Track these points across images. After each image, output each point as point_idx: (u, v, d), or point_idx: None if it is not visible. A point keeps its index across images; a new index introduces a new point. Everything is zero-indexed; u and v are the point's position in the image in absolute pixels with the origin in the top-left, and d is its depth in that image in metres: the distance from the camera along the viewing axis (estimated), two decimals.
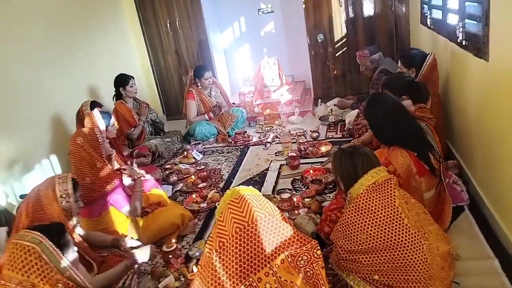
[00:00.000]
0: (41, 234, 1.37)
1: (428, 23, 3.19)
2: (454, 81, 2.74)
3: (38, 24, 3.43)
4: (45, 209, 1.82)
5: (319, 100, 4.61)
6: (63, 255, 1.38)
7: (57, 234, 1.44)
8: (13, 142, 3.05)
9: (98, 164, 2.43)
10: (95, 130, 2.52)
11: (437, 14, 3.00)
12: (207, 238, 2.42)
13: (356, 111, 3.68)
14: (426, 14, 3.26)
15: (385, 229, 1.56)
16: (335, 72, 4.69)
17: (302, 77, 5.25)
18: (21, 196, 2.77)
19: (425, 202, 1.99)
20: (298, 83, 5.22)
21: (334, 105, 4.34)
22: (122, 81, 3.88)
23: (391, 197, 1.61)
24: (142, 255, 2.06)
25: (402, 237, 1.56)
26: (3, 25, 3.06)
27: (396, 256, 1.57)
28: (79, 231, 2.08)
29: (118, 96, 3.93)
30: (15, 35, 3.16)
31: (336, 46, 4.61)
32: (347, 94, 4.56)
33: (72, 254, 1.49)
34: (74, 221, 2.01)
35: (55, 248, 1.36)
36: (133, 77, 3.95)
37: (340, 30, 4.53)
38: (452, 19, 2.62)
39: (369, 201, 1.61)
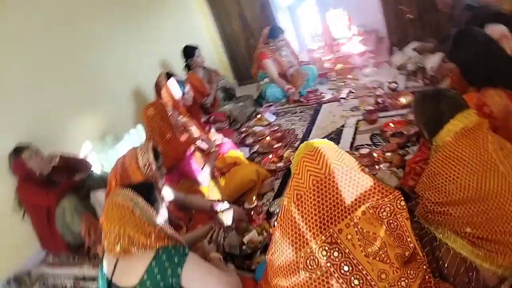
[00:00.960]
0: (133, 191, 1.49)
1: None
2: None
3: (102, 11, 3.64)
4: (132, 178, 1.96)
5: (395, 47, 4.27)
6: (153, 210, 1.50)
7: (147, 191, 1.56)
8: (104, 115, 3.38)
9: (167, 135, 2.54)
10: (166, 103, 2.62)
11: None
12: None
13: (438, 55, 3.34)
14: None
15: (478, 178, 1.43)
16: (409, 15, 4.27)
17: (374, 25, 4.86)
18: None
19: None
20: (370, 32, 4.86)
21: (413, 49, 3.99)
22: (188, 52, 3.99)
23: (483, 142, 1.45)
24: (226, 218, 2.16)
25: (498, 185, 1.41)
26: (91, 7, 3.33)
27: (492, 207, 1.44)
28: (169, 195, 2.22)
29: (188, 67, 4.05)
30: (99, 16, 3.44)
31: None
32: (425, 37, 4.15)
33: (162, 210, 1.61)
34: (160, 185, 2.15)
35: (146, 203, 1.48)
36: (197, 47, 4.02)
37: None
38: None
39: (458, 148, 1.47)
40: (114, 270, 1.47)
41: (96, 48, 3.44)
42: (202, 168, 2.59)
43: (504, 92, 1.75)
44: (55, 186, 2.67)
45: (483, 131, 1.47)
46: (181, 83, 3.10)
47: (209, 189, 2.60)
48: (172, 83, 3.05)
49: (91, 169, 2.91)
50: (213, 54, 5.22)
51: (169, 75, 3.30)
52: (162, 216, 1.57)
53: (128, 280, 1.42)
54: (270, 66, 4.21)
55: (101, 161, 3.25)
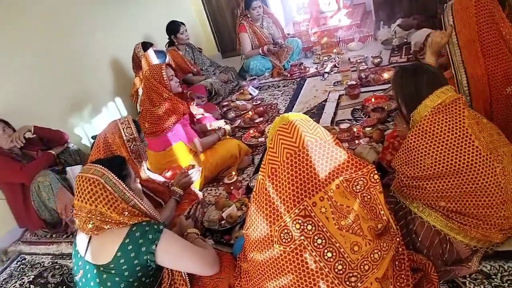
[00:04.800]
0: (103, 167, 1.45)
1: None
2: None
3: None
4: (115, 154, 1.93)
5: (381, 22, 4.22)
6: (125, 185, 1.46)
7: (118, 166, 1.52)
8: (81, 88, 3.29)
9: (165, 94, 2.50)
10: (161, 67, 2.54)
11: None
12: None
13: (423, 31, 3.31)
14: None
15: (453, 152, 1.43)
16: None
17: None
18: (93, 137, 2.98)
19: None
20: (357, 6, 4.80)
21: (398, 25, 3.95)
22: (172, 29, 3.87)
23: (459, 118, 1.45)
24: (194, 175, 2.24)
25: (472, 160, 1.42)
26: None
27: (465, 181, 1.45)
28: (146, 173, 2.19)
29: (171, 43, 3.93)
30: None
31: None
32: (412, 14, 4.10)
33: (134, 185, 1.58)
34: (143, 165, 2.12)
35: (117, 179, 1.44)
36: (183, 24, 3.90)
37: None
38: None
39: (435, 123, 1.46)
40: (87, 248, 1.44)
41: (79, 19, 3.33)
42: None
43: None
44: (29, 160, 2.59)
45: (460, 106, 1.46)
46: (161, 54, 3.01)
47: (190, 161, 2.57)
48: (151, 53, 2.96)
49: (68, 142, 2.82)
50: (199, 27, 5.09)
51: (145, 45, 3.20)
52: (136, 192, 1.54)
53: (102, 258, 1.39)
54: (244, 39, 4.15)
55: (78, 133, 3.17)
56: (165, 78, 2.51)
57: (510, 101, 1.78)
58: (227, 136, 2.84)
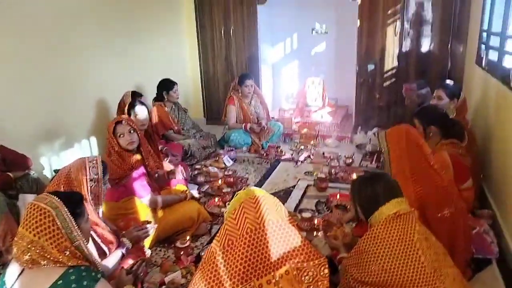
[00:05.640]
0: (59, 200, 1.42)
1: (483, 64, 3.07)
2: (498, 125, 2.62)
3: (92, 17, 3.58)
4: (74, 190, 1.86)
5: (359, 127, 4.52)
6: (76, 224, 1.42)
7: (74, 202, 1.49)
8: (59, 118, 3.25)
9: (115, 148, 2.49)
10: (113, 122, 2.58)
11: (493, 55, 2.89)
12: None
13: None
14: (482, 55, 3.14)
15: (399, 263, 1.48)
16: (380, 103, 4.60)
17: (346, 102, 5.19)
18: (55, 171, 2.92)
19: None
20: (341, 108, 5.16)
21: (373, 133, 4.24)
22: (166, 86, 4.03)
23: (411, 230, 1.53)
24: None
25: (416, 275, 1.47)
26: (60, 13, 3.24)
27: None
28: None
29: (159, 98, 4.06)
30: (70, 22, 3.34)
31: (385, 76, 4.53)
32: (388, 125, 4.42)
33: (85, 225, 1.53)
34: (99, 209, 2.07)
35: (70, 215, 1.40)
36: (176, 83, 4.08)
37: (391, 60, 4.46)
38: (508, 62, 2.51)
39: (387, 231, 1.54)
40: (16, 280, 1.36)
41: (77, 49, 3.36)
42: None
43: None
44: None
45: (412, 219, 1.55)
46: (143, 107, 3.14)
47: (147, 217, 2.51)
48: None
49: (30, 169, 2.74)
50: (191, 88, 5.29)
51: (134, 95, 3.31)
52: (84, 233, 1.50)
53: None
54: (230, 112, 4.36)
55: (42, 163, 3.09)
56: (110, 132, 2.51)
57: (445, 224, 1.91)
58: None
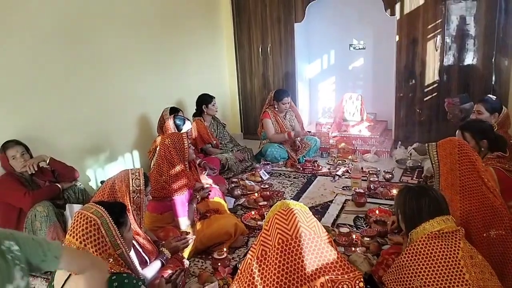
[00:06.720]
0: (104, 209, 1.49)
1: None
2: None
3: (135, 36, 3.76)
4: (118, 200, 1.96)
5: (399, 142, 4.41)
6: (119, 233, 1.48)
7: (118, 212, 1.56)
8: (104, 133, 3.42)
9: (177, 167, 2.62)
10: (183, 136, 2.70)
11: None
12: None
13: None
14: None
15: (442, 280, 1.42)
16: (421, 118, 4.47)
17: (385, 117, 5.08)
18: (101, 182, 3.05)
19: None
20: (379, 122, 5.06)
21: (413, 148, 4.11)
22: (205, 99, 4.16)
23: (455, 248, 1.47)
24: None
25: None
26: (114, 32, 3.46)
27: None
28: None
29: (198, 113, 4.18)
30: (114, 44, 3.54)
31: (426, 90, 4.42)
32: (430, 140, 4.27)
33: (127, 234, 1.60)
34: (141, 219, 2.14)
35: (114, 224, 1.47)
36: (215, 97, 4.19)
37: (432, 75, 4.35)
38: None
39: (429, 246, 1.48)
40: (63, 285, 1.43)
41: (115, 67, 3.53)
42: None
43: None
44: (36, 188, 2.64)
45: (457, 237, 1.49)
46: (182, 121, 3.23)
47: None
48: (170, 123, 3.24)
49: (77, 180, 2.89)
50: (229, 104, 5.41)
51: (172, 110, 3.43)
52: (126, 242, 1.56)
53: None
54: (268, 124, 4.39)
55: (89, 175, 3.26)
56: (185, 146, 2.66)
57: (491, 245, 1.81)
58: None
